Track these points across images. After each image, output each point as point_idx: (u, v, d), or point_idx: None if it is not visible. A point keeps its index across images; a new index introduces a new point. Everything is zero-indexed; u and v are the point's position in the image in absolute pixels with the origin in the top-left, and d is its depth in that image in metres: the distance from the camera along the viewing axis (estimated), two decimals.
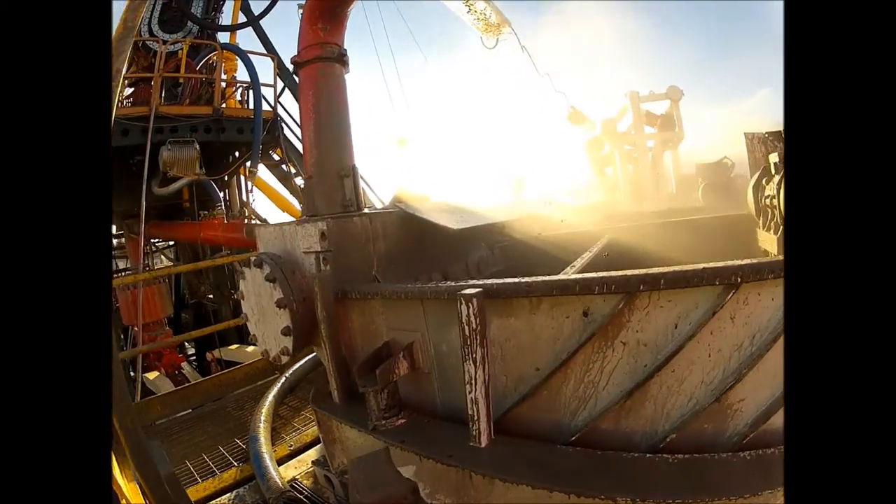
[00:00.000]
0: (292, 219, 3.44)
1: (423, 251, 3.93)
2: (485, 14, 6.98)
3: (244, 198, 13.07)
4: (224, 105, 11.75)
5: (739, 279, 1.92)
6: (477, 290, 2.21)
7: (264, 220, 13.03)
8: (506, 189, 10.22)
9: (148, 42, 11.18)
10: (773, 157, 3.75)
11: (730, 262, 1.94)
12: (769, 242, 3.85)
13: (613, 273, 2.05)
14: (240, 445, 4.90)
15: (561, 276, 2.19)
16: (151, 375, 9.56)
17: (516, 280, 2.27)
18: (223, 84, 11.95)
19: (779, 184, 3.45)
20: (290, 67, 3.84)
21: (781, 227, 3.42)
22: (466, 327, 2.18)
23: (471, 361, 2.21)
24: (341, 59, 3.69)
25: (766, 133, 4.59)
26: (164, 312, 11.87)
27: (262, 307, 3.29)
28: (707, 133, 14.22)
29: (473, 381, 2.23)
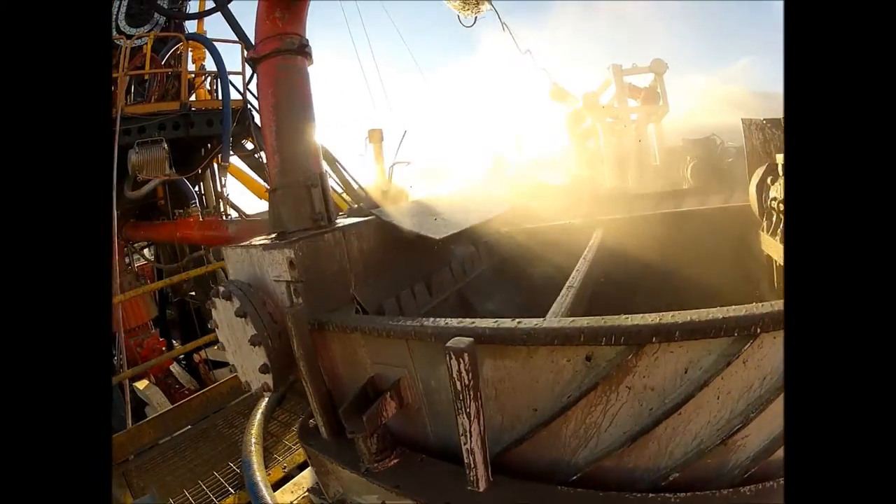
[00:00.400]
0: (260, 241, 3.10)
1: (405, 260, 3.71)
2: None
3: (220, 191, 12.71)
4: (193, 97, 11.34)
5: (759, 329, 1.75)
6: (467, 341, 1.99)
7: (240, 214, 12.75)
8: (487, 167, 10.06)
9: (114, 40, 10.67)
10: (780, 158, 3.56)
11: (750, 311, 1.77)
12: (774, 250, 3.63)
13: (622, 321, 1.86)
14: (234, 470, 4.90)
15: (562, 324, 1.98)
16: (141, 385, 9.33)
17: (511, 326, 2.06)
18: (191, 75, 11.53)
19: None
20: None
21: None
22: (458, 382, 1.99)
23: (464, 415, 2.03)
24: (303, 50, 3.30)
25: (764, 119, 4.49)
26: (148, 317, 11.69)
27: (237, 339, 3.04)
28: (687, 101, 14.14)
29: (468, 434, 2.05)
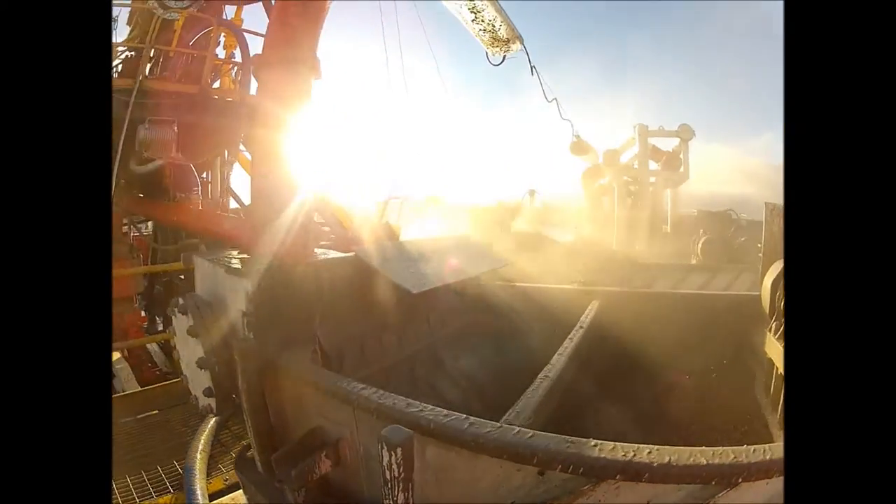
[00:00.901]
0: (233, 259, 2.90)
1: (379, 305, 3.48)
2: (493, 25, 6.15)
3: (225, 184, 12.55)
4: (217, 84, 11.23)
5: (741, 479, 1.56)
6: (404, 434, 1.78)
7: (240, 203, 12.55)
8: (493, 216, 9.93)
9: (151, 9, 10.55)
10: None
11: (738, 458, 1.56)
12: (777, 354, 3.23)
13: (586, 450, 1.64)
14: (178, 470, 4.86)
15: (518, 438, 1.77)
16: (113, 356, 9.13)
17: (461, 426, 1.87)
18: (219, 62, 11.42)
19: None
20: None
21: None
22: (387, 472, 1.77)
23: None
24: (312, 61, 3.06)
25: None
26: (133, 290, 11.41)
27: (188, 355, 2.90)
28: (707, 168, 14.07)
29: None
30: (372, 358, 3.42)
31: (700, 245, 10.24)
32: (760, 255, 4.35)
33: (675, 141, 14.04)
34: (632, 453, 1.58)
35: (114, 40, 9.58)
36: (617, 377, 4.35)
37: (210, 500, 4.33)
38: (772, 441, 3.17)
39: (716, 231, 10.68)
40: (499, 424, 1.86)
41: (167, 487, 4.59)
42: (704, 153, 14.70)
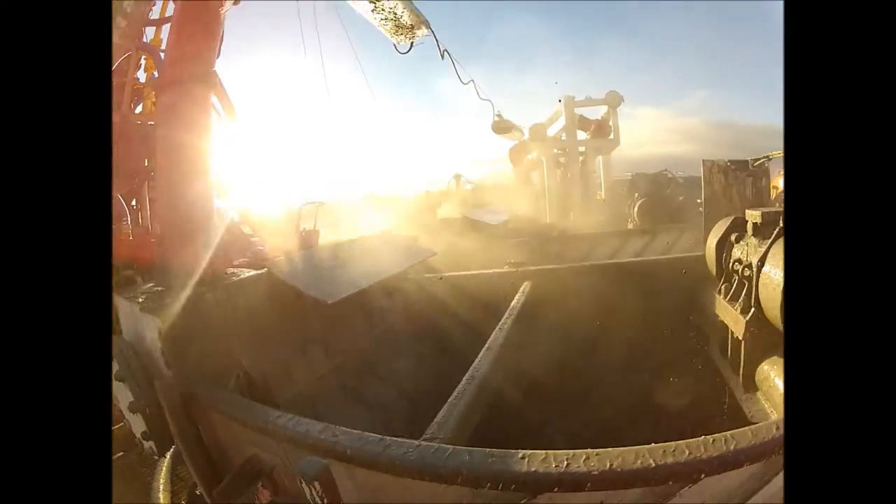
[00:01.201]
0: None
1: (299, 319, 3.43)
2: (394, 13, 5.78)
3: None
4: (139, 109, 10.88)
5: (704, 475, 1.43)
6: (319, 465, 1.71)
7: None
8: (418, 204, 9.85)
9: None
10: (754, 215, 3.05)
11: (694, 454, 1.41)
12: (732, 318, 3.12)
13: (515, 465, 1.49)
14: None
15: (437, 458, 1.65)
16: None
17: (377, 448, 1.75)
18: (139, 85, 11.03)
19: (761, 255, 2.76)
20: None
21: (752, 311, 2.83)
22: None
23: None
24: (208, 77, 3.02)
25: (728, 161, 4.16)
26: None
27: (123, 400, 2.75)
28: (640, 133, 14.16)
29: None
30: (298, 375, 3.37)
31: (636, 208, 10.37)
32: (701, 210, 4.40)
33: (603, 109, 13.98)
34: (565, 462, 1.42)
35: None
36: (559, 361, 4.27)
37: None
38: (738, 405, 3.04)
39: (652, 192, 10.79)
40: (417, 443, 1.74)
41: None
42: (635, 117, 14.80)
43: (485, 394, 2.79)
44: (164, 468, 5.13)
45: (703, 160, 4.28)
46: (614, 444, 1.48)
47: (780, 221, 2.79)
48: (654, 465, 1.38)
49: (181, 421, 2.56)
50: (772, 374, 2.76)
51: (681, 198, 10.80)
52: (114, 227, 9.31)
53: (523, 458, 1.47)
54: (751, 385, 2.98)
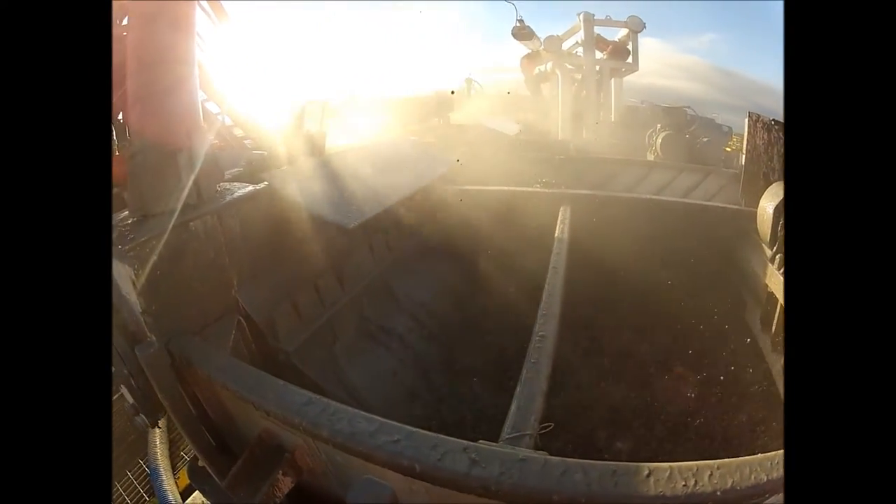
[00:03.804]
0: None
1: (307, 244, 2.84)
2: None
3: None
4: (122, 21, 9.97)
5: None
6: (381, 492, 1.37)
7: None
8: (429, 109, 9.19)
9: None
10: None
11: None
12: (782, 292, 2.75)
13: (637, 487, 1.28)
14: (145, 470, 4.70)
15: (550, 477, 1.31)
16: None
17: (463, 468, 1.35)
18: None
19: None
20: None
21: None
22: None
23: None
24: None
25: (773, 120, 3.77)
26: None
27: None
28: (645, 62, 13.90)
29: None
30: (310, 314, 2.81)
31: (659, 140, 9.89)
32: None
33: (617, 32, 13.41)
34: (692, 480, 1.28)
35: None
36: (605, 309, 3.88)
37: (183, 498, 4.23)
38: (778, 391, 2.85)
39: (673, 127, 10.34)
40: (511, 452, 1.38)
41: (142, 495, 4.50)
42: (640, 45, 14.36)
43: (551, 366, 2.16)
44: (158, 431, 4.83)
45: (749, 112, 4.03)
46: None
47: None
48: (765, 479, 1.30)
49: (174, 395, 2.09)
50: None
51: (705, 139, 10.37)
52: None
53: (648, 476, 1.29)
54: None
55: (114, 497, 4.35)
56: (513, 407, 1.74)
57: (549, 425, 1.76)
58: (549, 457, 1.35)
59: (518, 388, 1.84)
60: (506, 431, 1.62)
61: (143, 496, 4.39)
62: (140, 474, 4.61)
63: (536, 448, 1.55)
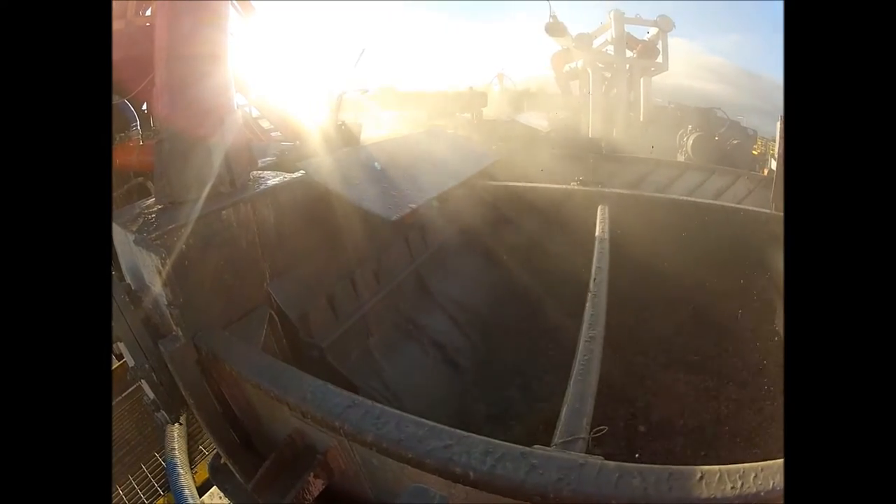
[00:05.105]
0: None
1: (343, 237, 2.75)
2: None
3: None
4: (149, 12, 10.12)
5: None
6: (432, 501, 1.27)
7: None
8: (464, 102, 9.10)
9: None
10: None
11: None
12: None
13: (695, 491, 1.28)
14: (161, 463, 4.56)
15: (607, 482, 1.31)
16: None
17: (519, 474, 1.31)
18: None
19: None
20: None
21: None
22: None
23: None
24: None
25: None
26: None
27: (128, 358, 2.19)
28: (672, 62, 13.83)
29: None
30: (345, 309, 2.72)
31: (690, 141, 9.83)
32: (773, 167, 4.42)
33: (646, 31, 13.42)
34: (739, 482, 1.30)
35: None
36: (642, 306, 3.80)
37: (200, 494, 4.05)
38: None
39: (703, 128, 10.33)
40: (569, 458, 1.35)
41: (157, 490, 4.29)
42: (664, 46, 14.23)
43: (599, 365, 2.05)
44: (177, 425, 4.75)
45: (781, 117, 3.72)
46: None
47: None
48: None
49: (199, 393, 2.01)
50: None
51: (735, 141, 10.28)
52: (123, 133, 8.88)
53: (701, 478, 1.29)
54: None
55: (124, 491, 4.29)
56: (564, 410, 1.66)
57: (603, 428, 1.70)
58: (605, 461, 1.33)
59: (568, 391, 1.76)
60: (558, 435, 1.55)
61: (156, 490, 4.30)
62: (155, 467, 4.53)
63: (589, 452, 1.50)
